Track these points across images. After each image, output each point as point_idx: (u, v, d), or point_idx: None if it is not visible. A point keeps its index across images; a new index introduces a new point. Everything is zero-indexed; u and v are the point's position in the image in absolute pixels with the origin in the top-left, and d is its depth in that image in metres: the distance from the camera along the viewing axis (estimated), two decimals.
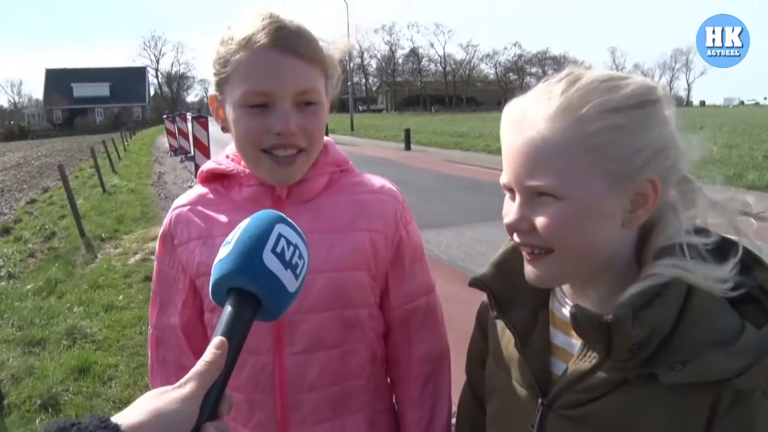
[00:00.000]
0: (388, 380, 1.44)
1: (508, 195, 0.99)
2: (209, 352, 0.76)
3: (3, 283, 7.20)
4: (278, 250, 0.83)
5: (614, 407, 0.92)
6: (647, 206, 0.91)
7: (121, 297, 6.33)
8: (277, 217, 0.87)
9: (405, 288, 1.35)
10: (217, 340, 0.77)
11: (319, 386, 1.27)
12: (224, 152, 1.35)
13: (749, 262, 0.91)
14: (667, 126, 0.91)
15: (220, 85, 1.22)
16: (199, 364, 0.75)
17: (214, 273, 0.83)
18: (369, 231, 1.29)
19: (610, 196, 0.90)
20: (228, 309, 0.81)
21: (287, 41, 1.16)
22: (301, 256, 0.87)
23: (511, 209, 0.96)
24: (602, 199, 0.90)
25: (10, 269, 7.85)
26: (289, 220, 0.89)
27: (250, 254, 0.82)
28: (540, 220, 0.92)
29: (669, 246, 0.91)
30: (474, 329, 1.28)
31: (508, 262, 1.09)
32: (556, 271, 0.96)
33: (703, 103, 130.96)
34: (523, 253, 1.00)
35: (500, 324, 1.14)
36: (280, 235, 0.84)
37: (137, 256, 8.09)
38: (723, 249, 0.92)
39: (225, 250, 0.84)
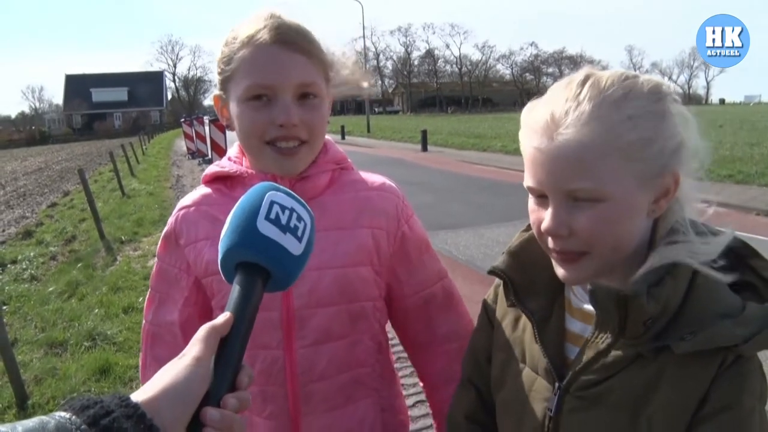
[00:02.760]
0: (395, 367, 1.49)
1: (534, 200, 1.02)
2: (214, 320, 0.78)
3: (26, 286, 7.30)
4: (272, 216, 0.83)
5: (629, 382, 0.96)
6: (668, 197, 0.98)
7: (140, 299, 6.37)
8: (268, 186, 0.87)
9: (416, 277, 1.40)
10: (223, 314, 0.79)
11: (329, 375, 1.31)
12: (226, 155, 1.40)
13: (745, 252, 1.00)
14: (676, 120, 0.96)
15: (225, 83, 1.27)
16: (201, 330, 0.77)
17: (219, 253, 0.84)
18: (371, 228, 1.33)
19: (640, 193, 0.95)
20: (235, 284, 0.83)
21: (288, 37, 1.21)
22: (300, 219, 0.86)
23: (544, 215, 0.99)
24: (635, 197, 0.95)
25: (32, 272, 7.96)
26: (283, 187, 0.88)
27: (244, 225, 0.82)
28: (579, 224, 0.95)
29: (674, 230, 0.98)
30: (479, 322, 1.30)
31: (525, 252, 1.13)
32: (589, 271, 1.00)
33: (722, 101, 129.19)
34: (554, 254, 1.02)
35: (513, 314, 1.18)
36: (272, 202, 0.84)
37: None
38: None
39: (223, 229, 0.85)
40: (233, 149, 1.39)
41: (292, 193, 0.88)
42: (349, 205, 1.33)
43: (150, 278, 1.43)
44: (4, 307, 6.38)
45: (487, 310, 1.27)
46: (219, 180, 1.36)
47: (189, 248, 1.31)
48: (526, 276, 1.12)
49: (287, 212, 0.85)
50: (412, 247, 1.39)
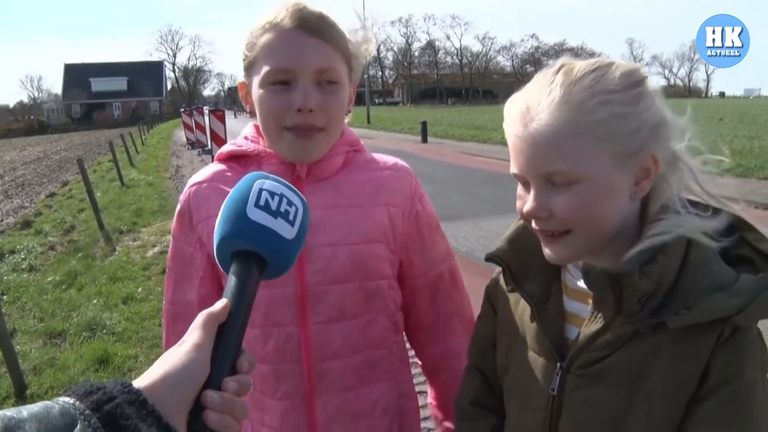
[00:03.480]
0: (408, 348, 1.50)
1: (520, 186, 1.06)
2: (211, 308, 0.79)
3: (25, 276, 7.31)
4: (261, 203, 0.84)
5: (628, 359, 0.99)
6: (649, 178, 1.00)
7: (140, 289, 6.40)
8: (257, 176, 0.88)
9: (427, 256, 1.42)
10: (220, 301, 0.81)
11: (344, 354, 1.31)
12: (242, 134, 1.40)
13: (739, 224, 1.02)
14: (655, 102, 0.99)
15: (248, 69, 1.29)
16: (199, 317, 0.78)
17: (214, 245, 0.85)
18: (387, 206, 1.34)
19: (617, 174, 0.98)
20: (231, 273, 0.84)
21: (309, 22, 1.23)
22: (290, 203, 0.87)
23: (526, 198, 1.03)
24: (611, 177, 0.97)
25: (31, 262, 7.97)
26: (272, 175, 0.90)
27: (234, 214, 0.84)
28: (557, 206, 0.99)
29: (665, 208, 1.01)
30: (482, 310, 1.32)
31: (520, 238, 1.16)
32: (573, 248, 1.03)
33: (722, 95, 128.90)
34: (540, 235, 1.06)
35: (513, 298, 1.20)
36: (260, 190, 0.85)
37: (155, 249, 8.16)
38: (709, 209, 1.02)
39: (216, 221, 0.86)
40: (248, 129, 1.39)
41: (282, 180, 0.90)
42: (364, 184, 1.34)
43: (167, 259, 1.43)
44: (3, 297, 6.40)
45: (490, 297, 1.29)
46: (233, 158, 1.37)
47: (202, 225, 1.31)
48: (522, 261, 1.15)
49: (277, 198, 0.86)
50: (425, 225, 1.41)
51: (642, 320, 0.96)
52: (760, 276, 0.94)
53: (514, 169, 1.03)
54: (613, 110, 0.95)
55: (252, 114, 1.33)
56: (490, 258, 1.18)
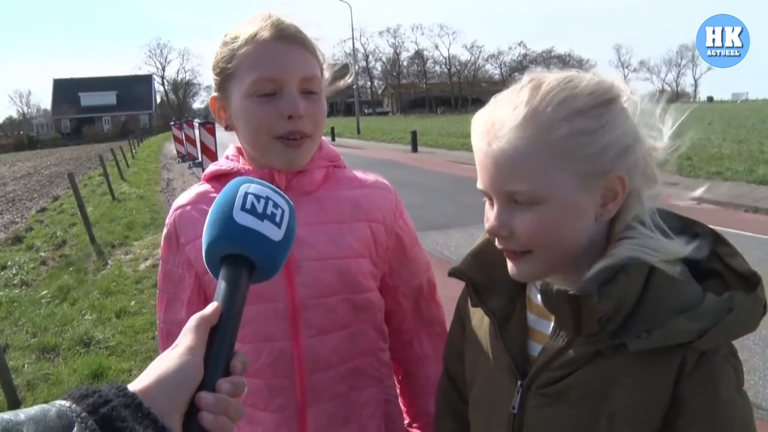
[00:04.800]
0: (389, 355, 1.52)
1: (487, 201, 1.03)
2: (202, 311, 0.80)
3: (17, 291, 7.27)
4: (247, 206, 0.85)
5: (588, 379, 0.96)
6: (617, 200, 0.96)
7: (132, 303, 6.38)
8: (242, 180, 0.89)
9: (409, 269, 1.46)
10: (211, 305, 0.82)
11: (334, 364, 1.34)
12: (224, 155, 1.43)
13: (711, 238, 0.99)
14: (629, 120, 0.95)
15: (224, 83, 1.29)
16: (191, 321, 0.79)
17: (203, 251, 0.86)
18: (369, 222, 1.37)
19: (581, 195, 0.94)
20: (220, 278, 0.85)
21: (289, 33, 1.26)
22: (276, 206, 0.88)
23: (490, 215, 1.01)
24: (575, 198, 0.94)
25: (23, 277, 7.94)
26: (257, 179, 0.91)
27: (221, 218, 0.84)
28: (518, 226, 0.96)
29: (631, 227, 0.97)
30: (453, 320, 1.32)
31: (486, 252, 1.14)
32: (536, 268, 1.00)
33: (710, 99, 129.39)
34: (504, 252, 1.04)
35: (478, 312, 1.18)
36: (246, 194, 0.86)
37: (148, 262, 8.13)
38: (685, 228, 1.00)
39: (204, 227, 0.87)
40: (229, 149, 1.42)
41: (268, 183, 0.91)
42: (346, 200, 1.36)
43: (157, 280, 1.45)
44: None
45: (459, 310, 1.29)
46: (215, 179, 1.39)
47: (189, 246, 1.33)
48: (486, 276, 1.13)
49: (263, 201, 0.86)
50: (407, 241, 1.45)
51: (603, 341, 0.94)
52: (724, 297, 0.92)
53: (479, 184, 1.01)
54: (577, 129, 0.91)
55: (228, 128, 1.34)
56: (453, 273, 1.15)
